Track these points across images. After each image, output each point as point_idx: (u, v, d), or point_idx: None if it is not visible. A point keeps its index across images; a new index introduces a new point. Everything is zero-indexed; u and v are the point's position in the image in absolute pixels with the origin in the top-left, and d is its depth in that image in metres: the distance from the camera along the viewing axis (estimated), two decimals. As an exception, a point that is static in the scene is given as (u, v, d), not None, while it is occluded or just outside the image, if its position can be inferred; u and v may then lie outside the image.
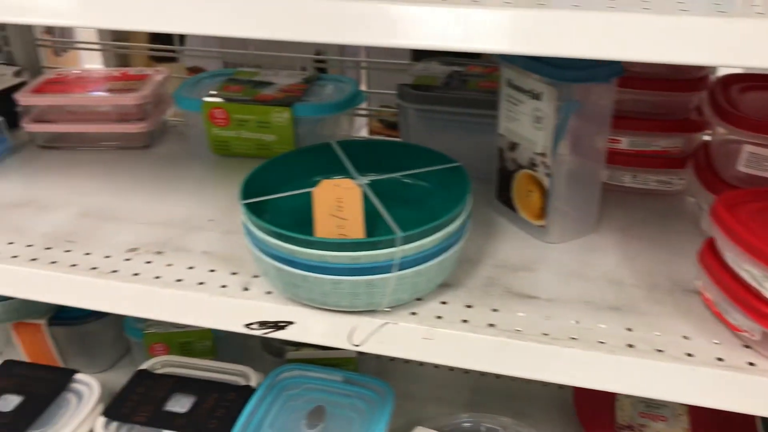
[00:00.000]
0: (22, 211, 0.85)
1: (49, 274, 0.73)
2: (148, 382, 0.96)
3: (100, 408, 0.92)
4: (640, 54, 0.49)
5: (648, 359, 0.60)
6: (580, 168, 0.74)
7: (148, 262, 0.74)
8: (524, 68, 0.71)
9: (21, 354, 1.11)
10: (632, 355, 0.60)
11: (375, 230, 0.65)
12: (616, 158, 0.83)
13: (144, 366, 0.99)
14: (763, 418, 0.89)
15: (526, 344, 0.62)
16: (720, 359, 0.60)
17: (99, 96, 1.01)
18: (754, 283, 0.58)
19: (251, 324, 0.68)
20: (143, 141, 1.02)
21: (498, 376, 1.07)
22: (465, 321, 0.65)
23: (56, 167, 0.97)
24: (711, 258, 0.63)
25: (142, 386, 0.95)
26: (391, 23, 0.52)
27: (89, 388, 0.95)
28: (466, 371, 1.08)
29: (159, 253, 0.76)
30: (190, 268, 0.73)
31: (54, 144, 1.03)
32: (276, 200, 0.69)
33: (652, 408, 0.94)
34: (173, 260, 0.75)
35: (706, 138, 0.84)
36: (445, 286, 0.69)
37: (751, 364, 0.59)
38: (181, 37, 1.38)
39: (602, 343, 0.62)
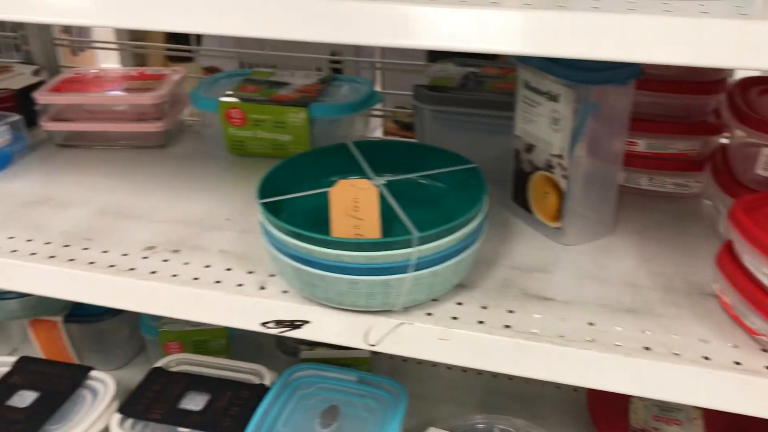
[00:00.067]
0: (41, 208, 0.86)
1: (67, 271, 0.74)
2: (162, 379, 0.96)
3: (116, 405, 0.93)
4: (659, 56, 0.48)
5: (665, 362, 0.59)
6: (597, 170, 0.74)
7: (165, 261, 0.75)
8: (541, 70, 0.71)
9: (37, 351, 1.12)
10: (649, 358, 0.60)
11: (391, 230, 0.65)
12: (633, 160, 0.83)
13: (159, 364, 1.00)
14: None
15: (541, 346, 0.62)
16: (737, 363, 0.59)
17: (116, 95, 1.01)
18: (772, 287, 0.58)
19: (267, 323, 0.69)
20: (160, 140, 1.02)
21: (511, 378, 1.07)
22: (481, 322, 0.65)
23: (74, 165, 0.98)
24: (729, 261, 0.62)
25: (156, 384, 0.95)
26: (407, 24, 0.52)
27: (104, 385, 0.96)
28: (480, 372, 1.08)
29: (176, 251, 0.76)
30: (207, 266, 0.74)
31: (72, 142, 1.04)
32: (292, 200, 0.69)
33: (666, 411, 0.94)
34: (190, 259, 0.75)
35: (724, 141, 0.84)
36: (460, 287, 0.69)
37: (768, 368, 0.59)
38: (198, 37, 1.38)
39: (618, 345, 0.61)
